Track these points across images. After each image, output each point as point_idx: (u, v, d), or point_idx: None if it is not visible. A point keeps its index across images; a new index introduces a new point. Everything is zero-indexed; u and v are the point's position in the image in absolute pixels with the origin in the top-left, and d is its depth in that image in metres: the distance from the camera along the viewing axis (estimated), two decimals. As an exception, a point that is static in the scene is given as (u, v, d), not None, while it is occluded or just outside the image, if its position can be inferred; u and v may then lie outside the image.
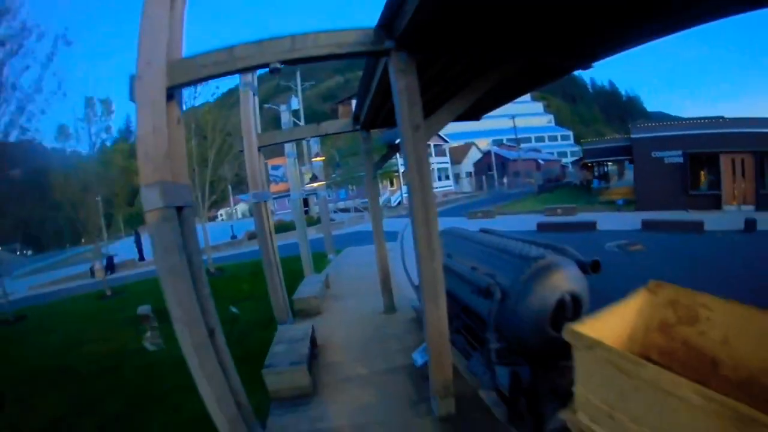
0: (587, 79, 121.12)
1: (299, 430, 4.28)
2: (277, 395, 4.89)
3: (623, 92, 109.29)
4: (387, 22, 3.41)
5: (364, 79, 5.49)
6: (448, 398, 4.03)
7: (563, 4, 3.18)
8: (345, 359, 5.87)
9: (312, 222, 24.07)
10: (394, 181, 45.30)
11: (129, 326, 9.21)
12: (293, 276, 10.32)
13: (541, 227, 16.42)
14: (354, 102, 7.67)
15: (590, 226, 15.07)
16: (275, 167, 28.34)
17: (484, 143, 63.43)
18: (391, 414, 4.34)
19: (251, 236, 25.47)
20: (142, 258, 24.04)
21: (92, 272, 20.30)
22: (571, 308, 3.50)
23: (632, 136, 18.83)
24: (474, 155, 58.33)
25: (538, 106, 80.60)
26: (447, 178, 51.27)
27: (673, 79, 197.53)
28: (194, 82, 3.84)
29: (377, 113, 6.55)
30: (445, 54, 4.09)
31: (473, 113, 7.48)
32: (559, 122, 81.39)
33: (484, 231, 6.17)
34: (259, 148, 7.48)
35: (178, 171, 3.45)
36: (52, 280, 22.46)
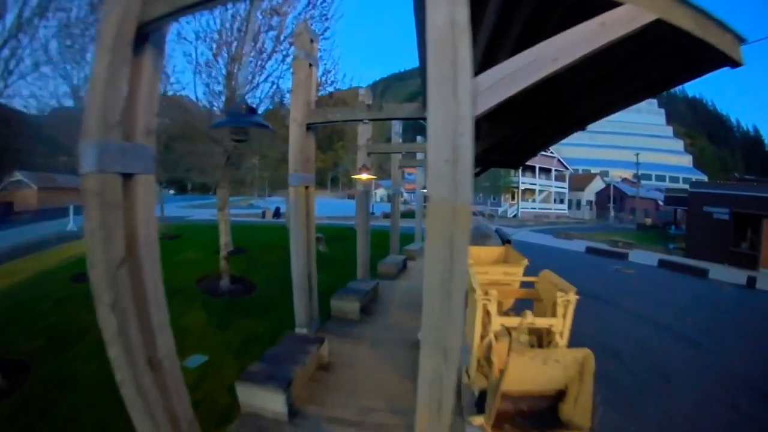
0: (734, 120, 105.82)
1: (391, 286, 10.89)
2: (382, 276, 11.64)
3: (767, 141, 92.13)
4: None
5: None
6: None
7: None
8: (415, 270, 12.50)
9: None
10: (514, 195, 49.36)
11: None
12: (407, 241, 17.09)
13: (589, 250, 20.24)
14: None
15: (623, 255, 18.47)
16: (409, 174, 37.55)
17: (627, 174, 62.49)
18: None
19: (385, 216, 33.47)
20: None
21: (263, 215, 29.95)
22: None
23: (689, 190, 20.63)
24: (597, 185, 59.10)
25: (679, 144, 74.49)
26: (562, 202, 53.63)
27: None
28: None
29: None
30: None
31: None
32: (700, 164, 73.91)
33: (497, 229, 12.21)
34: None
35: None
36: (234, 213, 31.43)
